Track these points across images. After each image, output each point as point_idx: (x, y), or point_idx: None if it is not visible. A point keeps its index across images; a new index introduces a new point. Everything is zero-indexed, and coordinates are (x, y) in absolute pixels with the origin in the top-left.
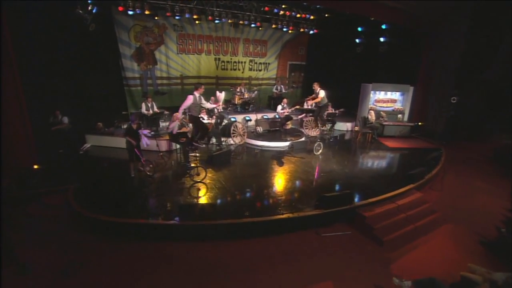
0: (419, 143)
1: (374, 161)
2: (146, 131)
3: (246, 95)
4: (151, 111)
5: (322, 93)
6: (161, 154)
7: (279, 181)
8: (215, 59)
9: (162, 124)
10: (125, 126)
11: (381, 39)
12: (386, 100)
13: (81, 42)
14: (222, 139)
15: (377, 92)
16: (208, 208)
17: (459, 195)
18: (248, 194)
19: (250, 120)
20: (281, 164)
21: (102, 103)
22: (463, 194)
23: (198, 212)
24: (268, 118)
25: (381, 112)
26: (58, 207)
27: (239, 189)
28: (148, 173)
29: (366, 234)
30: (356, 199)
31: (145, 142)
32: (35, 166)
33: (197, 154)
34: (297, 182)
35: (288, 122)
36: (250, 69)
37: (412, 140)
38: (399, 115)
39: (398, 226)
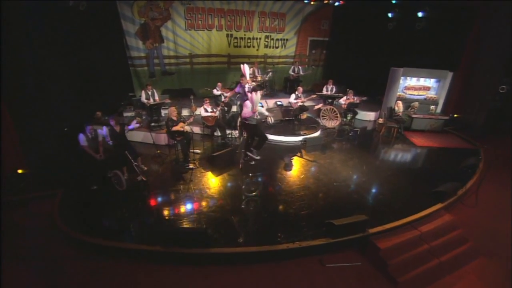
0: (453, 141)
1: (396, 168)
2: (132, 125)
3: (259, 78)
4: (151, 100)
5: None
6: (158, 152)
7: (283, 194)
8: (227, 35)
9: (165, 113)
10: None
11: (419, 14)
12: (418, 87)
13: (79, 19)
14: (228, 131)
15: (408, 78)
16: (197, 234)
17: (498, 214)
18: (244, 210)
19: (262, 106)
20: (289, 168)
21: (106, 87)
22: (504, 213)
23: (185, 238)
24: (281, 105)
25: (414, 103)
26: (43, 215)
27: (235, 206)
28: (143, 179)
29: (379, 268)
30: (370, 223)
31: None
32: (19, 171)
33: (199, 151)
34: (304, 197)
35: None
36: (266, 46)
37: (445, 137)
38: (432, 106)
39: (418, 261)
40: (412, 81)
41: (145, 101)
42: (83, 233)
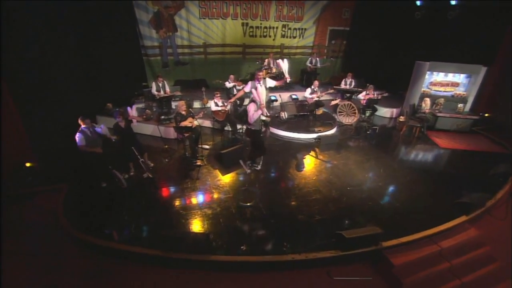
0: (482, 144)
1: (417, 172)
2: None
3: (274, 70)
4: (162, 92)
5: None
6: (166, 146)
7: (293, 197)
8: (243, 24)
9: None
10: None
11: (452, 2)
12: (445, 83)
13: (91, 7)
14: (239, 126)
15: (435, 73)
16: (199, 238)
17: None
18: (250, 214)
19: (276, 100)
20: (300, 168)
21: (119, 77)
22: None
23: (186, 242)
24: (296, 99)
25: (439, 100)
26: (48, 211)
27: (241, 208)
28: (150, 176)
29: (391, 286)
30: (384, 236)
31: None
32: (27, 164)
33: (207, 147)
34: (314, 202)
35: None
36: (283, 36)
37: (473, 138)
38: (460, 105)
39: (437, 280)
40: (439, 76)
41: (156, 93)
42: (85, 232)
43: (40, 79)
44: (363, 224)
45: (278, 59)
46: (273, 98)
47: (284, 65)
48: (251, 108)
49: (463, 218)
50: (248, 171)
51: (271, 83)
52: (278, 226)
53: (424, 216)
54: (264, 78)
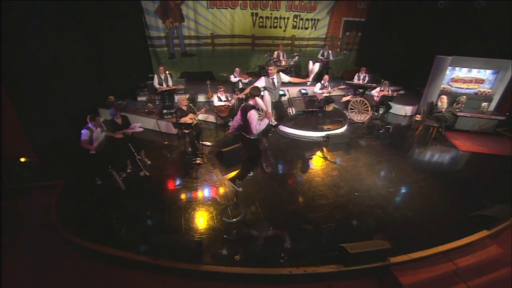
0: (507, 147)
1: (432, 178)
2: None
3: (283, 63)
4: (164, 85)
5: None
6: (166, 142)
7: (293, 203)
8: (252, 14)
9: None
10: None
11: None
12: (468, 79)
13: None
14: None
15: (457, 68)
16: (190, 245)
17: None
18: (248, 221)
19: (284, 94)
20: (305, 169)
21: (123, 69)
22: None
23: (177, 249)
24: (305, 94)
25: (461, 97)
26: (43, 207)
27: (238, 213)
28: (147, 174)
29: None
30: (393, 250)
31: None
32: (22, 159)
33: (209, 144)
34: (317, 209)
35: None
36: (294, 27)
37: (497, 141)
38: (484, 103)
39: None
40: (461, 72)
41: (157, 86)
42: (75, 232)
43: (42, 71)
44: (370, 236)
45: (314, 63)
46: (281, 92)
47: (315, 68)
48: (254, 117)
49: (483, 233)
50: (240, 189)
51: (285, 78)
52: (277, 234)
53: (439, 229)
54: (278, 73)
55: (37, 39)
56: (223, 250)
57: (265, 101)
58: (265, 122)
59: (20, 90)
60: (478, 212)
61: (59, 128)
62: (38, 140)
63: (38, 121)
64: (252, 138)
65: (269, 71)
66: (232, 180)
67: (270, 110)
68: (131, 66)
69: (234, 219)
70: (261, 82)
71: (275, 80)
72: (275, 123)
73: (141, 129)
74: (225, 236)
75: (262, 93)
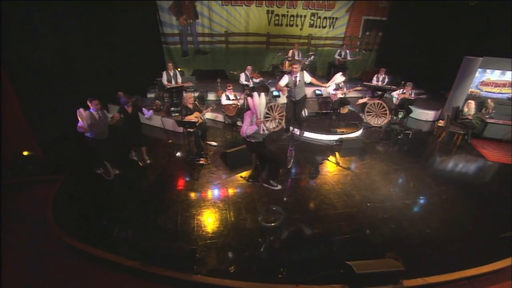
0: None
1: (455, 191)
2: (148, 113)
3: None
4: (173, 83)
5: None
6: (170, 141)
7: (298, 212)
8: (268, 11)
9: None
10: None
11: None
12: (500, 83)
13: None
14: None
15: (488, 71)
16: (182, 253)
17: None
18: (248, 230)
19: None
20: (315, 175)
21: (136, 65)
22: None
23: (168, 256)
24: (320, 94)
25: (489, 101)
26: (41, 203)
27: (238, 221)
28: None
29: None
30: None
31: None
32: (25, 153)
33: (215, 144)
34: (324, 219)
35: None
36: (311, 26)
37: None
38: None
39: None
40: (493, 75)
41: (165, 83)
42: (69, 231)
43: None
44: (381, 253)
45: (342, 75)
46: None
47: (339, 79)
48: (246, 118)
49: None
50: (279, 186)
51: (308, 78)
52: (278, 246)
53: (462, 250)
54: (302, 71)
55: (49, 35)
56: (217, 260)
57: (254, 104)
58: (254, 128)
59: (28, 85)
60: (510, 233)
61: (67, 124)
62: (44, 134)
63: (44, 116)
64: (253, 141)
65: (293, 69)
66: (266, 182)
67: (261, 116)
68: (144, 63)
69: (273, 224)
70: (284, 80)
71: (298, 79)
72: (266, 132)
73: (151, 114)
74: (221, 242)
75: (262, 94)
